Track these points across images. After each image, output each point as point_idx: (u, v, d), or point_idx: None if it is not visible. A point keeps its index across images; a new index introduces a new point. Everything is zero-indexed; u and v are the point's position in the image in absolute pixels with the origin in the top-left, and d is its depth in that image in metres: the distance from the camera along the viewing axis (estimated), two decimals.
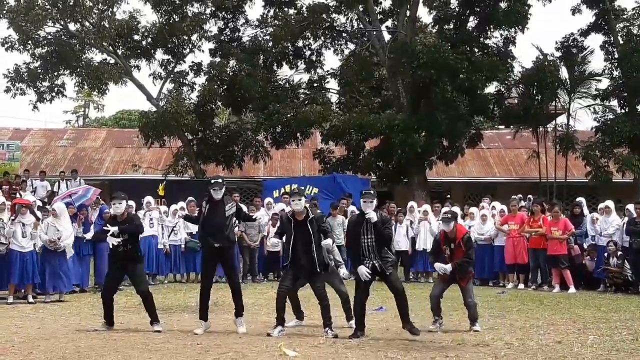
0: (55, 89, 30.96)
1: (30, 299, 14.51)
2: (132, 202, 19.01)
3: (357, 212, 10.69)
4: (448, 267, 10.60)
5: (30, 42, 29.50)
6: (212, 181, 10.85)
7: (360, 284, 10.09)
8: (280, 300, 10.40)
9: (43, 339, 9.97)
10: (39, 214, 15.45)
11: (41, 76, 30.32)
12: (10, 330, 10.77)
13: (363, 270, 9.92)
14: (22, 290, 14.90)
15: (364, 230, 10.03)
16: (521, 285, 17.94)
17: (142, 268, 11.25)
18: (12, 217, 14.95)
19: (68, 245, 15.15)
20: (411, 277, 19.66)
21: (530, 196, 22.82)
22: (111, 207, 10.91)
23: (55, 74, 30.52)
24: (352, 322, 10.47)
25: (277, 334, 10.16)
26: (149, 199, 19.52)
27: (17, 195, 20.58)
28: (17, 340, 9.75)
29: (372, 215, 9.92)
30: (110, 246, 11.11)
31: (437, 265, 10.79)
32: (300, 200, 10.56)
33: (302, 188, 20.92)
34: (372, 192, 10.39)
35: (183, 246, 18.89)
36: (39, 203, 17.66)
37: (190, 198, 19.76)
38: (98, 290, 16.52)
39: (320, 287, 10.49)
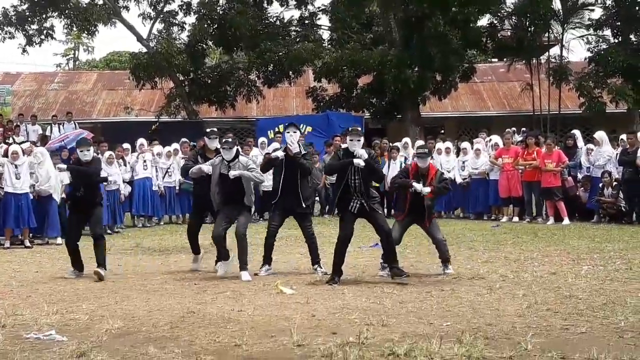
0: (44, 31, 30.69)
1: (27, 243, 14.54)
2: (127, 145, 19.04)
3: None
4: (427, 189, 9.88)
5: None
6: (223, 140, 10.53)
7: (345, 225, 9.58)
8: (269, 238, 10.43)
9: (41, 282, 10.03)
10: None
11: (29, 19, 30.05)
12: (8, 274, 10.82)
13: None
14: (19, 235, 14.95)
15: (351, 169, 9.47)
16: (515, 218, 18.05)
17: (100, 212, 10.98)
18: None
19: (53, 189, 15.11)
20: None
21: (524, 129, 22.81)
22: (79, 154, 10.57)
23: (44, 16, 30.25)
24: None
25: (265, 273, 10.23)
26: (142, 140, 19.49)
27: (10, 140, 20.51)
28: (15, 284, 9.80)
29: (360, 161, 9.35)
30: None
31: (417, 185, 9.90)
32: (295, 132, 10.48)
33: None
34: (359, 129, 9.99)
35: (177, 187, 18.88)
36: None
37: (183, 139, 19.76)
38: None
39: (308, 226, 10.52)
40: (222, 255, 10.24)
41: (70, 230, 10.90)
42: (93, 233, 10.65)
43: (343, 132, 21.85)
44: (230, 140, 10.46)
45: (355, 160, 9.38)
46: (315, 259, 10.47)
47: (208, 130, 11.31)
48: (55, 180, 15.20)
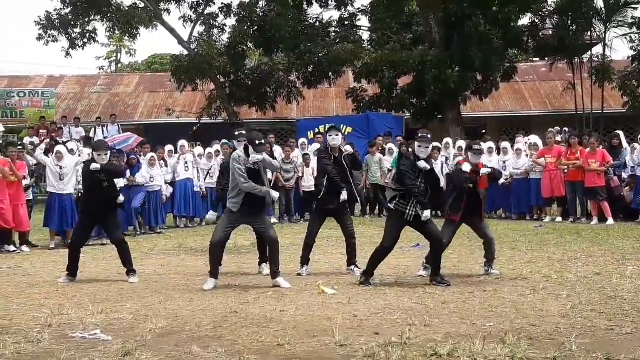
0: (87, 35, 31.11)
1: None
2: (169, 146, 19.20)
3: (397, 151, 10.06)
4: (487, 169, 9.92)
5: None
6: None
7: (395, 235, 9.36)
8: (310, 240, 10.42)
9: (86, 282, 10.15)
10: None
11: (72, 22, 30.46)
12: (54, 275, 10.95)
13: (427, 214, 9.21)
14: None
15: (419, 175, 9.21)
16: (559, 219, 17.87)
17: (117, 217, 10.75)
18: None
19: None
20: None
21: (566, 128, 22.59)
22: (95, 156, 10.39)
23: (87, 19, 30.65)
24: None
25: (306, 273, 10.24)
26: (183, 142, 19.63)
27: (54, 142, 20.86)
28: (61, 284, 9.93)
29: (425, 165, 9.18)
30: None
31: (466, 165, 9.75)
32: (337, 135, 10.48)
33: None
34: (429, 136, 9.49)
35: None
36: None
37: (224, 140, 19.84)
38: (131, 235, 16.82)
39: (350, 225, 10.48)
40: (215, 271, 9.49)
41: (81, 232, 10.75)
42: (115, 239, 10.57)
43: (385, 133, 21.88)
44: (240, 133, 10.51)
45: (422, 164, 9.19)
46: (352, 260, 10.46)
47: (236, 133, 11.08)
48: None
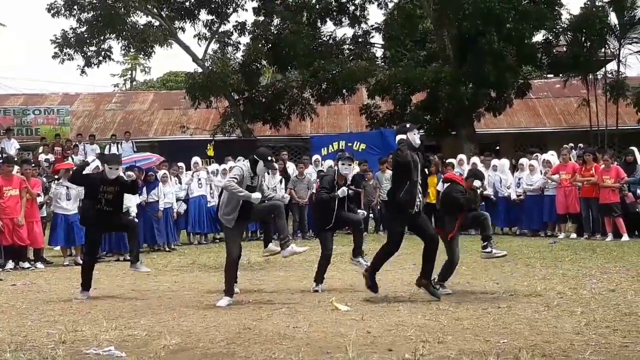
0: (102, 53, 31.33)
1: (79, 260, 14.76)
2: (181, 164, 19.27)
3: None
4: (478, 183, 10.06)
5: (75, 7, 29.81)
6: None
7: (400, 238, 9.41)
8: (326, 262, 10.41)
9: (100, 298, 10.17)
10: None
11: (88, 41, 30.70)
12: (68, 291, 10.99)
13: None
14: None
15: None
16: (573, 235, 17.81)
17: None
18: (56, 179, 15.23)
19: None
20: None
21: (581, 145, 22.54)
22: (106, 169, 10.40)
23: (102, 38, 30.87)
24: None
25: (320, 290, 10.22)
26: (196, 159, 19.73)
27: (69, 160, 20.96)
28: (75, 301, 9.96)
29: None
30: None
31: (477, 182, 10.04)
32: (350, 165, 10.52)
33: (350, 145, 21.10)
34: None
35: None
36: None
37: (239, 158, 19.90)
38: (151, 250, 16.87)
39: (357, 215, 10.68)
40: (230, 289, 9.53)
41: (95, 248, 10.81)
42: (129, 225, 10.83)
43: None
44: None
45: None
46: (358, 250, 10.45)
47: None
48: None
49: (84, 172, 10.81)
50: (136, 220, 14.50)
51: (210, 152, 25.42)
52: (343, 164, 10.46)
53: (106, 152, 25.79)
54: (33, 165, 16.86)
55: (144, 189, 16.88)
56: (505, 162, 19.87)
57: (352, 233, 10.71)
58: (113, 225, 10.80)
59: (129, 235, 10.78)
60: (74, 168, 11.08)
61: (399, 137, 9.30)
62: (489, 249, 9.89)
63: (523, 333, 7.11)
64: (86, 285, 10.30)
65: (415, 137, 9.33)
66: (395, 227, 9.53)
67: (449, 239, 9.95)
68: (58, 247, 15.60)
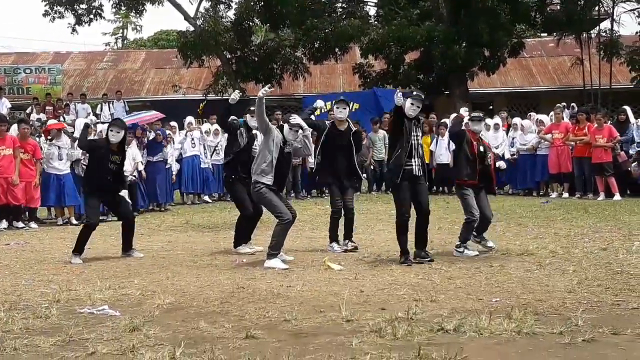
0: (93, 10, 31.09)
1: (74, 221, 14.77)
2: (174, 123, 19.20)
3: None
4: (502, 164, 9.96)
5: None
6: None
7: (405, 199, 9.06)
8: (337, 218, 10.31)
9: (94, 258, 10.18)
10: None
11: None
12: (61, 250, 11.00)
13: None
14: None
15: (415, 128, 9.18)
16: (565, 194, 17.86)
17: (125, 196, 10.86)
18: (49, 139, 15.15)
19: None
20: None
21: (573, 104, 22.52)
22: (108, 133, 10.17)
23: None
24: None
25: (337, 249, 10.12)
26: (190, 119, 19.64)
27: (61, 119, 20.85)
28: (68, 260, 9.97)
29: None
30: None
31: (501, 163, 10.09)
32: (345, 109, 10.38)
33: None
34: (422, 95, 9.60)
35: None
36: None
37: (232, 117, 19.80)
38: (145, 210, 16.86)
39: (351, 200, 10.40)
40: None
41: (95, 211, 10.45)
42: (125, 215, 10.50)
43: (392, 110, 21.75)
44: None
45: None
46: (349, 235, 10.38)
47: (252, 108, 11.12)
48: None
49: (88, 138, 10.66)
50: (137, 181, 14.59)
51: (201, 112, 25.35)
52: (337, 107, 10.34)
53: (97, 111, 25.69)
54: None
55: (145, 150, 16.94)
56: (498, 121, 19.84)
57: (344, 216, 10.42)
58: (114, 202, 10.50)
59: (127, 225, 10.43)
60: (80, 133, 10.85)
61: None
62: (461, 249, 9.56)
63: (515, 292, 7.15)
64: (79, 249, 10.05)
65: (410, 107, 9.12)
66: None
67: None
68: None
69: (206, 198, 19.29)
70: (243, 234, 10.49)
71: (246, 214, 10.43)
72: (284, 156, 9.37)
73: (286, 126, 9.34)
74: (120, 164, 10.33)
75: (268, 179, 9.15)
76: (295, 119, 9.41)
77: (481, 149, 9.76)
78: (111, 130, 10.17)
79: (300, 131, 9.33)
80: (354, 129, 10.44)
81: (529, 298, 6.82)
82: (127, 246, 10.41)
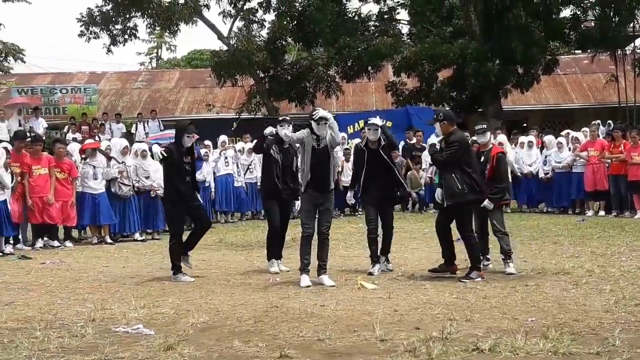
0: (128, 31, 31.34)
1: (108, 240, 14.87)
2: (208, 142, 19.30)
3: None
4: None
5: None
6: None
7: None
8: (373, 237, 10.17)
9: (128, 277, 10.24)
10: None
11: (113, 19, 30.69)
12: (96, 269, 11.09)
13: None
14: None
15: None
16: (602, 212, 17.69)
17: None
18: (83, 158, 15.29)
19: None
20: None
21: (609, 121, 22.33)
22: (185, 139, 10.09)
23: (127, 16, 30.85)
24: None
25: (377, 272, 9.87)
26: (224, 137, 19.73)
27: (97, 138, 21.06)
28: (104, 279, 10.04)
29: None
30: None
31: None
32: (376, 130, 10.36)
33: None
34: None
35: (259, 183, 19.04)
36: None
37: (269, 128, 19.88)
38: None
39: (390, 216, 10.34)
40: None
41: (177, 225, 10.41)
42: (207, 219, 10.95)
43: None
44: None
45: None
46: (386, 251, 10.29)
47: (280, 118, 11.10)
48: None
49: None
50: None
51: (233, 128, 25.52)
52: (369, 129, 10.28)
53: (132, 130, 25.92)
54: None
55: None
56: (532, 139, 19.69)
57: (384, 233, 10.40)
58: (192, 207, 10.33)
59: (204, 227, 10.42)
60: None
61: None
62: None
63: (551, 311, 7.08)
64: (178, 267, 9.93)
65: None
66: None
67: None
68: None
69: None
70: (272, 250, 10.54)
71: (270, 228, 10.58)
72: (318, 153, 9.34)
73: (314, 124, 9.32)
74: (192, 168, 10.39)
75: (307, 183, 9.32)
76: (320, 112, 9.44)
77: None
78: (187, 137, 10.16)
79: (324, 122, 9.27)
80: (383, 142, 10.37)
81: (566, 318, 6.75)
82: (190, 248, 10.31)
